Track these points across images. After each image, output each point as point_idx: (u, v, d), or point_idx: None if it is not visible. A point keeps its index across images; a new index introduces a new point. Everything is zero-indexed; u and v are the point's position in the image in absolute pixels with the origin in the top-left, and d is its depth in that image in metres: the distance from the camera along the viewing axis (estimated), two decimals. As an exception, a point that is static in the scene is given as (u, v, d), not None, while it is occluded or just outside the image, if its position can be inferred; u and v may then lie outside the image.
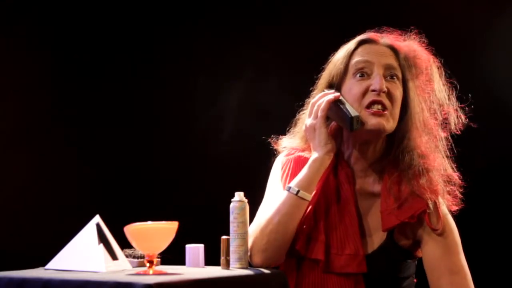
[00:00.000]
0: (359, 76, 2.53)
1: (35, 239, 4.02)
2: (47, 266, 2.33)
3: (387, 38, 2.60)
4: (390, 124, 2.50)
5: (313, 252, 2.51)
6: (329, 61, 2.64)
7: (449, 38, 3.83)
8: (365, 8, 3.92)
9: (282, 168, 2.66)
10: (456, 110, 2.62)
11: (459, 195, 2.56)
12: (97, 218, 2.34)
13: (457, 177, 2.56)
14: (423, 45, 2.64)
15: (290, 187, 2.53)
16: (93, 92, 4.23)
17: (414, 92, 2.54)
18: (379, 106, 2.49)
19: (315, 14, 4.09)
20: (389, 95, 2.50)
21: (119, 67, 4.26)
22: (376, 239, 2.54)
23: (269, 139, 2.75)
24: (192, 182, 4.23)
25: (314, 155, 2.54)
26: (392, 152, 2.55)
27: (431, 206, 2.51)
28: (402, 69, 2.55)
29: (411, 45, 2.61)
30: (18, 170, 4.08)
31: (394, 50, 2.57)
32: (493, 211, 3.84)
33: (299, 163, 2.62)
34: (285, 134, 2.78)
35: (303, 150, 2.66)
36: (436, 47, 2.72)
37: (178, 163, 4.25)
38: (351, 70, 2.54)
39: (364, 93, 2.50)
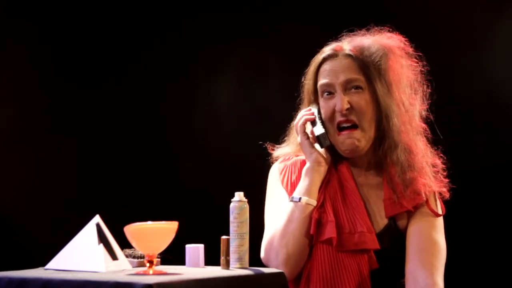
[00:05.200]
0: (326, 95, 2.67)
1: (35, 239, 4.02)
2: (47, 266, 2.33)
3: (349, 44, 2.69)
4: (364, 139, 2.64)
5: (325, 233, 2.61)
6: (305, 73, 2.75)
7: (450, 38, 3.83)
8: (365, 8, 3.92)
9: (281, 174, 2.76)
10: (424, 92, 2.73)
11: (445, 179, 2.68)
12: (97, 218, 2.34)
13: (440, 163, 2.69)
14: (392, 35, 2.72)
15: (293, 197, 2.66)
16: (93, 92, 4.23)
17: (384, 92, 2.64)
18: (348, 124, 2.63)
19: (315, 14, 4.08)
20: (355, 108, 2.63)
21: (119, 67, 4.26)
22: (380, 222, 2.66)
23: (265, 144, 2.82)
24: (192, 182, 4.23)
25: (306, 165, 2.69)
26: (381, 149, 2.67)
27: (426, 195, 2.65)
28: (366, 74, 2.65)
29: (376, 41, 2.69)
30: (18, 170, 4.08)
31: (355, 58, 2.66)
32: (493, 211, 3.84)
33: (296, 165, 2.75)
34: (285, 134, 2.81)
35: (297, 155, 2.77)
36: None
37: (178, 163, 4.25)
38: (319, 89, 2.69)
39: (333, 112, 2.64)
